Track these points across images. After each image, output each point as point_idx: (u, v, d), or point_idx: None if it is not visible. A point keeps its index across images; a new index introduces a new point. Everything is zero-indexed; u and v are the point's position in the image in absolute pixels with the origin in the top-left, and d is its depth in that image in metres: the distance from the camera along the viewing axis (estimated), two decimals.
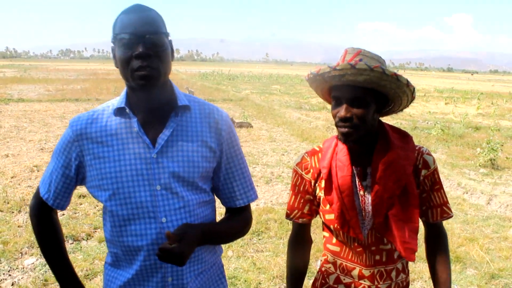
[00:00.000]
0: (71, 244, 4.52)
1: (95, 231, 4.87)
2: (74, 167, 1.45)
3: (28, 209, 5.17)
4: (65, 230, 4.72)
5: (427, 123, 14.83)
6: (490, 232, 5.32)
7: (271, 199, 6.32)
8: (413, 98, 1.55)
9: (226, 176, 1.54)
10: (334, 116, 1.52)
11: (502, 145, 9.10)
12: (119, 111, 1.42)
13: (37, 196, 1.56)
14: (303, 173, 1.68)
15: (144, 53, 1.30)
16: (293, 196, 1.72)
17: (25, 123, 12.19)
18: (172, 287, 1.44)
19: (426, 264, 4.25)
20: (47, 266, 4.00)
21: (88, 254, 4.27)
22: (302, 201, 1.70)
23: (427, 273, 4.12)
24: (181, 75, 46.01)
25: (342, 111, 1.46)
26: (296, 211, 1.72)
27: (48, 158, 8.12)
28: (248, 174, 1.61)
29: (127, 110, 1.41)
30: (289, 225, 5.18)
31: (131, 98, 1.43)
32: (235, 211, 1.61)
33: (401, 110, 1.63)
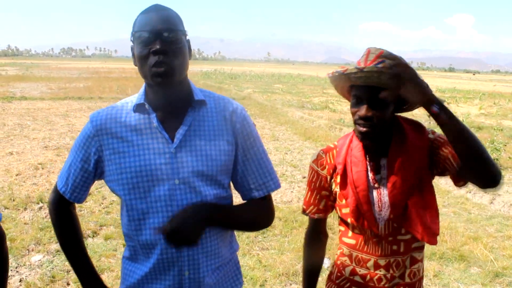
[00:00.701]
0: None
1: (101, 229, 4.89)
2: (93, 162, 1.48)
3: (34, 206, 5.18)
4: None
5: (430, 123, 14.83)
6: (493, 231, 5.34)
7: (275, 197, 6.34)
8: None
9: (243, 168, 1.55)
10: (354, 114, 1.56)
11: (505, 145, 9.11)
12: (138, 107, 1.46)
13: (55, 190, 1.59)
14: (319, 169, 1.74)
15: (161, 50, 1.33)
16: (309, 192, 1.78)
17: (28, 121, 12.22)
18: (188, 281, 1.46)
19: (430, 262, 4.28)
20: (54, 262, 4.06)
21: (95, 251, 4.30)
22: (318, 197, 1.76)
23: (431, 271, 4.15)
24: None
25: (362, 110, 1.51)
26: (312, 206, 1.78)
27: (52, 156, 8.17)
28: (267, 164, 1.59)
29: (146, 106, 1.44)
30: (293, 224, 5.21)
31: (150, 94, 1.47)
32: (254, 203, 1.60)
33: (414, 109, 1.64)
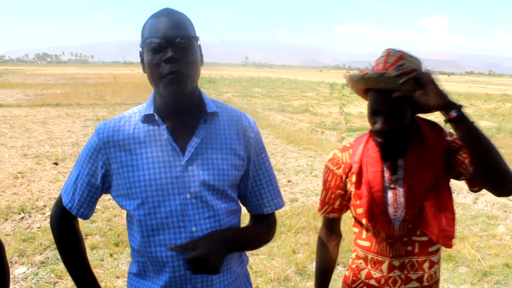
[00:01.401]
0: None
1: (86, 238, 4.76)
2: (100, 176, 1.41)
3: (15, 216, 5.02)
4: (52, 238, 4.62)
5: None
6: (478, 230, 5.41)
7: None
8: None
9: (253, 184, 1.53)
10: (371, 124, 1.56)
11: None
12: (147, 118, 1.40)
13: (58, 204, 1.53)
14: (334, 168, 1.73)
15: (173, 58, 1.27)
16: (324, 192, 1.77)
17: (5, 129, 11.93)
18: None
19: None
20: (39, 274, 3.95)
21: None
22: (333, 196, 1.75)
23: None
24: None
25: (379, 124, 1.50)
26: (327, 206, 1.78)
27: (32, 164, 7.99)
28: (275, 181, 1.59)
29: (156, 117, 1.38)
30: (281, 228, 5.17)
31: (159, 104, 1.40)
32: (260, 218, 1.59)
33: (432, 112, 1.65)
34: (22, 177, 7.16)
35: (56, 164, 8.05)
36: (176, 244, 1.35)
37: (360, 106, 20.72)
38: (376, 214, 1.59)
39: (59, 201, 1.53)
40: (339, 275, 4.12)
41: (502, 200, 6.07)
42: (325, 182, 1.77)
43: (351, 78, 1.56)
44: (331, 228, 1.84)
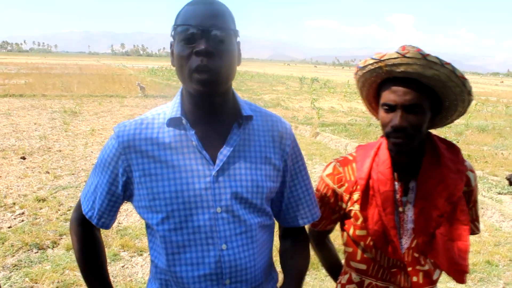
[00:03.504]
0: (36, 253, 4.18)
1: (61, 238, 4.54)
2: (121, 184, 1.26)
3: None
4: (27, 238, 4.39)
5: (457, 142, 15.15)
6: None
7: None
8: (464, 112, 1.43)
9: (290, 195, 1.39)
10: (385, 125, 1.38)
11: (457, 142, 9.43)
12: (172, 121, 1.23)
13: (78, 210, 1.38)
14: (336, 186, 1.55)
15: (206, 50, 1.11)
16: (322, 208, 1.57)
17: None
18: None
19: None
20: (12, 279, 3.72)
21: (57, 264, 3.97)
22: (330, 211, 1.59)
23: None
24: (128, 71, 44.85)
25: (396, 120, 1.32)
26: (325, 220, 1.61)
27: None
28: (312, 190, 1.45)
29: (184, 121, 1.22)
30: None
31: (187, 105, 1.24)
32: (294, 232, 1.46)
33: (446, 124, 1.51)
34: None
35: (23, 158, 7.70)
36: (205, 263, 1.22)
37: (331, 101, 20.84)
38: (389, 239, 1.42)
39: (78, 207, 1.39)
40: (325, 274, 4.07)
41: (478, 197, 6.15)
42: (322, 197, 1.58)
43: (365, 66, 1.39)
44: (325, 237, 1.73)
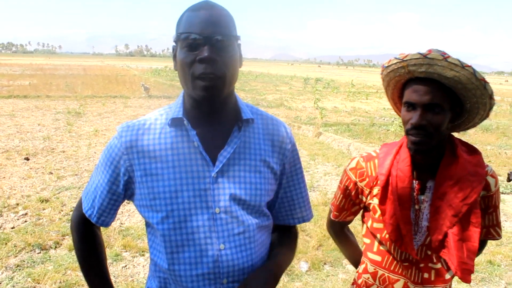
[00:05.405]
0: (38, 253, 4.21)
1: (64, 239, 4.57)
2: (122, 183, 1.29)
3: None
4: (30, 239, 4.42)
5: (384, 119, 15.14)
6: None
7: None
8: (486, 116, 1.46)
9: (284, 195, 1.43)
10: (405, 122, 1.43)
11: None
12: (174, 122, 1.26)
13: (79, 208, 1.41)
14: (358, 180, 1.62)
15: (209, 58, 1.14)
16: (343, 199, 1.68)
17: None
18: None
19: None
20: (15, 279, 3.75)
21: (59, 264, 3.99)
22: (351, 203, 1.67)
23: None
24: (132, 71, 44.98)
25: (416, 118, 1.37)
26: (346, 212, 1.71)
27: (1, 160, 7.65)
28: (306, 193, 1.49)
29: (185, 122, 1.25)
30: None
31: (189, 107, 1.27)
32: (285, 229, 1.49)
33: (469, 128, 1.54)
34: None
35: (27, 159, 7.74)
36: (203, 263, 1.25)
37: (334, 101, 20.83)
38: (403, 234, 1.47)
39: (79, 205, 1.42)
40: (327, 274, 4.07)
41: None
42: (344, 189, 1.66)
43: (390, 66, 1.44)
44: (345, 227, 1.82)
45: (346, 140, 10.44)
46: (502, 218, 5.67)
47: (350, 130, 12.26)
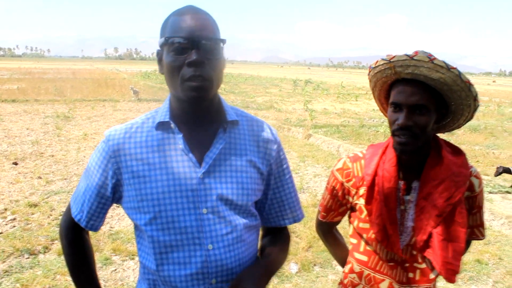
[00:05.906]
0: (27, 259, 4.19)
1: (53, 243, 4.54)
2: (110, 186, 1.31)
3: None
4: (19, 244, 4.39)
5: (373, 120, 15.22)
6: None
7: None
8: (471, 117, 1.49)
9: (273, 196, 1.44)
10: (392, 123, 1.45)
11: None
12: (161, 125, 1.29)
13: (68, 213, 1.42)
14: (344, 180, 1.63)
15: (198, 61, 1.17)
16: (331, 200, 1.69)
17: None
18: None
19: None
20: (2, 285, 3.71)
21: (48, 269, 3.97)
22: (338, 203, 1.68)
23: None
24: (122, 75, 44.75)
25: (402, 119, 1.40)
26: (333, 212, 1.71)
27: None
28: (295, 193, 1.51)
29: (172, 125, 1.28)
30: None
31: (176, 110, 1.30)
32: (276, 230, 1.51)
33: (453, 129, 1.57)
34: None
35: (15, 164, 7.69)
36: (191, 263, 1.26)
37: (324, 103, 20.90)
38: (389, 234, 1.49)
39: (68, 210, 1.42)
40: (316, 275, 4.09)
41: None
42: (331, 190, 1.68)
43: (377, 67, 1.46)
44: (333, 228, 1.82)
45: (335, 142, 10.49)
46: (489, 217, 5.74)
47: (340, 132, 12.31)
